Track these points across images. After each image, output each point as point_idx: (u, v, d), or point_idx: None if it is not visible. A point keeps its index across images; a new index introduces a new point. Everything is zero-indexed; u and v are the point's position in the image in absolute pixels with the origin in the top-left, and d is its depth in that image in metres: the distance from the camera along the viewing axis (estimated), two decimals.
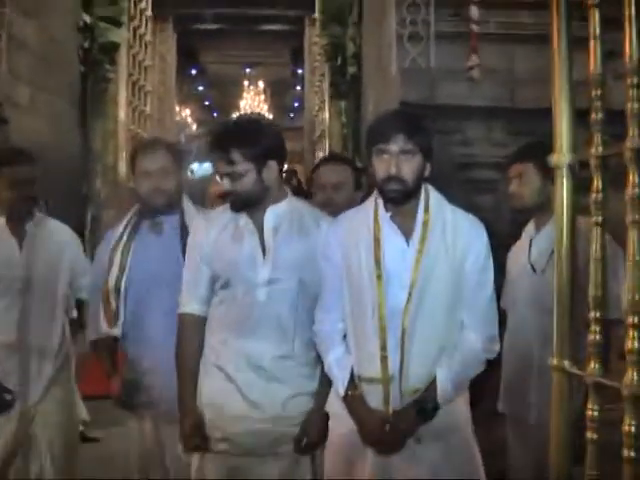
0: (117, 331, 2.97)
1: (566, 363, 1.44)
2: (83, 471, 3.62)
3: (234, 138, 2.57)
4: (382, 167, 2.35)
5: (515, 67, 5.87)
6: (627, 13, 1.22)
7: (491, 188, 5.65)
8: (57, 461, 3.29)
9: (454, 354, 2.39)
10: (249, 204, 2.60)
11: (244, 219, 2.63)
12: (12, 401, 3.14)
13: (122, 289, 2.96)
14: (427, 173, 2.41)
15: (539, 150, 3.02)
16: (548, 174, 2.85)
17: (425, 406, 2.34)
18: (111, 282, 2.96)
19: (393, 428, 2.33)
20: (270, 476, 2.59)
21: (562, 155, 1.45)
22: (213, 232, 2.66)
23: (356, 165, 3.31)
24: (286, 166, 8.77)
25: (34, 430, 3.24)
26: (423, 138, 2.37)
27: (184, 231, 2.94)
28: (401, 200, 2.38)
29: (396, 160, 2.32)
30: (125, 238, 3.03)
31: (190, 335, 2.67)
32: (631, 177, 1.21)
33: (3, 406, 3.13)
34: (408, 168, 2.34)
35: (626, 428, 1.23)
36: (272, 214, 2.61)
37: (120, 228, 3.07)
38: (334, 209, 2.90)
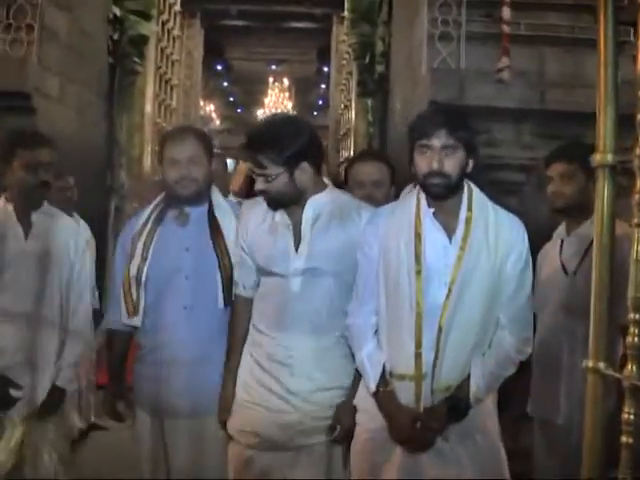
0: (137, 321, 2.91)
1: (602, 365, 1.42)
2: (92, 460, 3.62)
3: (264, 142, 2.57)
4: (424, 162, 2.36)
5: (545, 69, 5.83)
6: None
7: (516, 190, 5.62)
8: (63, 457, 3.23)
9: (488, 354, 2.40)
10: (282, 204, 2.61)
11: (279, 213, 2.65)
12: (18, 399, 3.00)
13: (143, 278, 2.88)
14: (469, 169, 2.41)
15: (583, 150, 3.01)
16: (591, 175, 2.85)
17: (457, 404, 2.35)
18: (133, 270, 2.89)
19: (424, 426, 2.33)
20: (302, 470, 2.60)
21: (605, 155, 1.44)
22: (252, 223, 2.70)
23: (390, 162, 3.30)
24: None
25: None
26: (465, 133, 2.38)
27: (213, 223, 2.89)
28: (443, 195, 2.38)
29: (439, 155, 2.32)
30: (149, 226, 2.95)
31: (241, 312, 2.78)
32: (638, 183, 1.27)
33: (10, 402, 3.00)
34: (450, 163, 2.34)
35: (625, 416, 1.31)
36: (312, 205, 2.62)
37: (144, 216, 3.00)
38: (374, 206, 2.89)
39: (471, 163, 2.42)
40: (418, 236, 2.39)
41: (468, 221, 2.38)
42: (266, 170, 2.55)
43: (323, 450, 2.61)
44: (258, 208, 2.74)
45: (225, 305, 2.84)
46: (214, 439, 2.81)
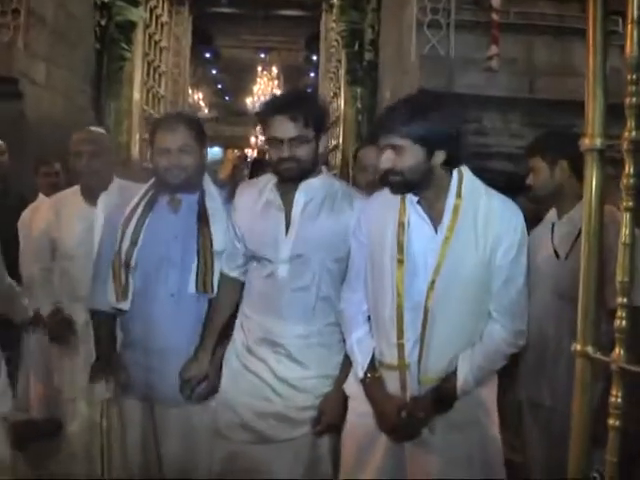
0: (126, 305, 2.86)
1: (590, 349, 1.43)
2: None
3: (305, 103, 2.57)
4: (381, 160, 2.34)
5: (534, 58, 5.85)
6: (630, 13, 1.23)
7: (505, 179, 5.63)
8: None
9: (477, 346, 2.34)
10: (303, 175, 2.59)
11: (273, 194, 2.64)
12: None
13: (132, 263, 2.84)
14: (439, 160, 2.31)
15: (560, 141, 3.02)
16: (554, 164, 2.89)
17: (442, 396, 2.32)
18: (122, 255, 2.85)
19: (409, 415, 2.31)
20: (286, 462, 2.59)
21: (594, 139, 1.44)
22: (245, 204, 2.69)
23: None
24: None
25: None
26: (416, 129, 2.27)
27: (203, 212, 2.85)
28: (403, 190, 2.35)
29: (387, 154, 2.31)
30: (140, 211, 2.89)
31: (224, 293, 2.78)
32: (627, 167, 1.26)
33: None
34: (402, 161, 2.29)
35: (613, 400, 1.31)
36: (304, 189, 2.61)
37: (135, 199, 2.94)
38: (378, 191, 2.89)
39: (441, 155, 2.30)
40: (402, 225, 2.35)
41: (456, 209, 2.29)
42: (302, 131, 2.52)
43: (307, 442, 2.61)
44: (252, 189, 2.73)
45: (197, 291, 2.79)
46: (204, 427, 2.80)
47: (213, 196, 2.91)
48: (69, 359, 3.48)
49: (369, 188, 2.91)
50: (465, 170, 2.38)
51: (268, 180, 2.73)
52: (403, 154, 2.29)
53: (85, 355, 3.29)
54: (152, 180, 2.99)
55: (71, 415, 3.42)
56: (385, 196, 2.47)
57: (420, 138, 2.27)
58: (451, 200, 2.32)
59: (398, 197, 2.40)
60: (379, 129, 2.37)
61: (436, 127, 2.29)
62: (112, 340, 2.99)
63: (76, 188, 3.58)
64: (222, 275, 2.79)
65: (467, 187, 2.34)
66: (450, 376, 2.32)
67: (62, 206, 3.57)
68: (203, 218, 2.84)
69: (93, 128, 3.62)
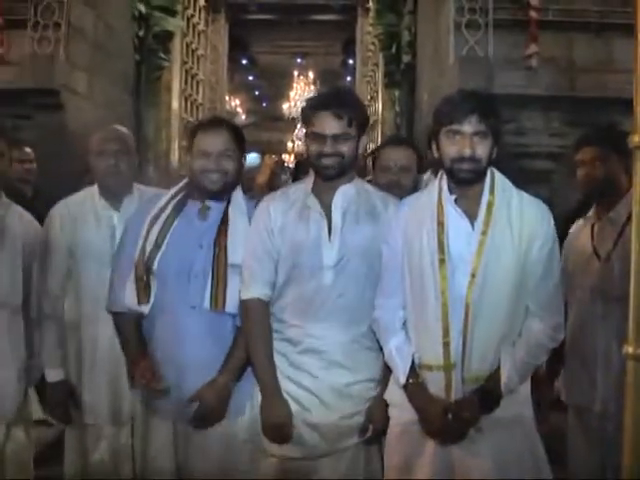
0: (146, 309, 2.72)
1: None
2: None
3: (349, 102, 2.58)
4: (454, 148, 2.33)
5: (574, 55, 5.78)
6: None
7: (546, 178, 5.57)
8: None
9: (519, 342, 2.36)
10: (343, 172, 2.58)
11: (311, 199, 2.61)
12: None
13: (154, 267, 2.70)
14: (494, 155, 2.38)
15: (613, 133, 2.97)
16: (622, 158, 2.81)
17: (488, 394, 2.31)
18: (145, 255, 2.71)
19: (456, 417, 2.30)
20: (336, 475, 2.55)
21: None
22: (279, 213, 2.62)
23: (419, 149, 3.27)
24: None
25: None
26: (494, 119, 2.35)
27: (224, 221, 2.75)
28: (472, 180, 2.36)
29: (470, 141, 2.30)
30: (167, 213, 2.77)
31: (261, 320, 2.61)
32: None
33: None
34: (482, 149, 2.32)
35: None
36: (342, 195, 2.59)
37: (163, 201, 2.82)
38: (400, 192, 2.86)
39: (496, 150, 2.39)
40: (441, 224, 2.36)
41: (490, 205, 2.35)
42: (347, 128, 2.52)
43: (358, 452, 2.57)
44: (283, 196, 2.70)
45: (210, 307, 2.65)
46: (228, 445, 2.68)
47: (239, 206, 2.81)
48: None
49: (390, 189, 2.88)
50: (494, 169, 2.44)
51: (298, 188, 2.72)
52: (484, 142, 2.33)
53: (110, 376, 3.07)
54: (183, 182, 2.91)
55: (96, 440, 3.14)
56: (417, 199, 2.53)
57: (495, 129, 2.36)
58: (485, 196, 2.37)
59: (432, 198, 2.43)
60: (459, 113, 2.33)
61: (501, 121, 2.40)
62: (142, 341, 2.78)
63: (93, 190, 3.25)
64: (251, 302, 2.61)
65: (499, 185, 2.40)
66: (493, 374, 2.32)
67: (81, 210, 3.21)
68: (222, 228, 2.74)
69: (117, 127, 3.40)
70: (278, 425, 2.53)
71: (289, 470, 2.58)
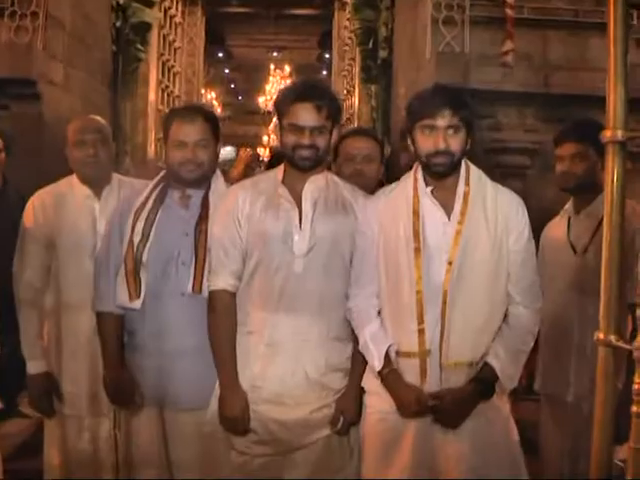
0: (137, 304, 2.73)
1: (612, 337, 1.46)
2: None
3: (326, 94, 2.58)
4: (429, 142, 2.38)
5: (549, 53, 5.86)
6: None
7: (520, 174, 5.65)
8: None
9: (506, 330, 2.43)
10: (318, 164, 2.59)
11: (282, 188, 2.60)
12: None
13: (144, 259, 2.73)
14: (468, 147, 2.44)
15: (593, 129, 3.03)
16: (602, 154, 2.87)
17: (485, 383, 2.38)
18: (133, 249, 2.73)
19: (456, 405, 2.35)
20: (305, 468, 2.54)
21: (615, 131, 1.47)
22: (247, 202, 2.60)
23: (381, 140, 3.31)
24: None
25: None
26: (467, 113, 2.41)
27: (204, 207, 2.77)
28: (446, 173, 2.42)
29: (444, 135, 2.36)
30: (150, 205, 2.79)
31: (226, 313, 2.60)
32: None
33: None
34: (456, 142, 2.38)
35: (636, 387, 1.37)
36: (312, 184, 2.60)
37: (144, 193, 2.83)
38: (364, 181, 2.91)
39: (469, 142, 2.45)
40: (416, 214, 2.42)
41: (466, 196, 2.42)
42: (324, 121, 2.52)
43: (329, 441, 2.56)
44: (252, 185, 2.68)
45: (193, 292, 2.67)
46: (218, 431, 2.65)
47: (218, 192, 2.82)
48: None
49: (354, 179, 2.89)
50: (468, 161, 2.51)
51: (268, 177, 2.72)
52: (457, 136, 2.39)
53: (90, 366, 3.05)
54: (162, 173, 2.90)
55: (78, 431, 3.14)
56: (392, 190, 2.57)
57: (468, 122, 2.42)
58: (461, 187, 2.44)
59: (407, 189, 2.49)
60: (432, 108, 2.37)
61: (473, 114, 2.44)
62: (121, 345, 2.82)
63: (72, 179, 3.23)
64: (218, 293, 2.60)
65: (474, 176, 2.47)
66: (485, 364, 2.39)
67: (61, 201, 3.19)
68: (203, 213, 2.76)
69: (94, 116, 3.37)
70: (233, 418, 2.52)
71: (261, 465, 2.56)
